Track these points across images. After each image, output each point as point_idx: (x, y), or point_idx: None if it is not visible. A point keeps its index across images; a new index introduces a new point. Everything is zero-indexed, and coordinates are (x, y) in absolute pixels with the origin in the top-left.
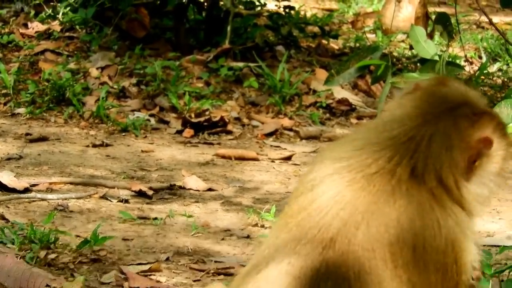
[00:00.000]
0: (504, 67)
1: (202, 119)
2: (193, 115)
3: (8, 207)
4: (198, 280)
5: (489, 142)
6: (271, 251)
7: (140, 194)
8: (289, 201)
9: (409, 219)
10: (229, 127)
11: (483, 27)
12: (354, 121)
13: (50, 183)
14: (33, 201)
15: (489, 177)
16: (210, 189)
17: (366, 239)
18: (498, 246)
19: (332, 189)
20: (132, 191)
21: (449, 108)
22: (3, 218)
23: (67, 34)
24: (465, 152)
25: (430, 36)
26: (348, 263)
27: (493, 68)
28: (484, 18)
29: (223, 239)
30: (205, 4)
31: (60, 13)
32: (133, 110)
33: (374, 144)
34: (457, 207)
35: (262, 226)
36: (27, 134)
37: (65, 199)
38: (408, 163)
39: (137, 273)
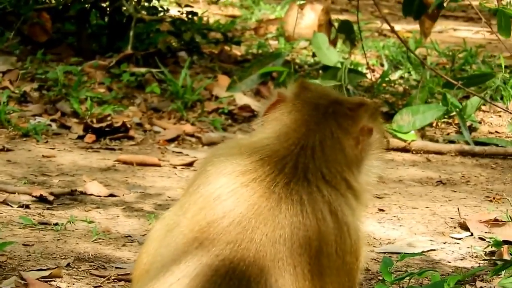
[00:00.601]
0: (406, 75)
1: (103, 124)
2: (94, 121)
3: None
4: (99, 286)
5: (370, 131)
6: (170, 256)
7: (41, 199)
8: (180, 207)
9: (326, 229)
10: (131, 132)
11: (385, 35)
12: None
13: None
14: None
15: (374, 164)
16: (111, 195)
17: (264, 243)
18: (399, 253)
19: (245, 203)
20: (33, 196)
21: (325, 111)
22: None
23: None
24: (353, 147)
25: (333, 43)
26: (246, 267)
27: (395, 75)
28: (386, 26)
29: (124, 245)
30: (108, 9)
31: None
32: (34, 115)
33: (272, 156)
34: (357, 205)
35: None
36: None
37: None
38: (315, 170)
39: (38, 279)
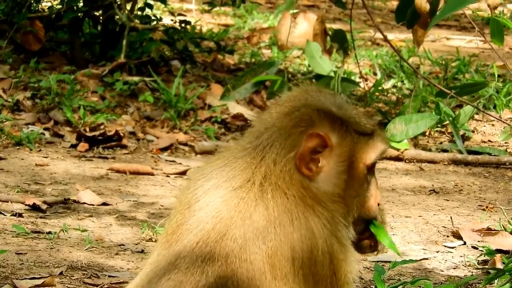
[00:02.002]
0: (399, 84)
1: (97, 133)
2: (88, 129)
3: None
4: None
5: (321, 138)
6: (153, 267)
7: (34, 208)
8: (169, 219)
9: (285, 233)
10: (124, 141)
11: (378, 44)
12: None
13: None
14: None
15: (336, 175)
16: (104, 204)
17: (243, 251)
18: (391, 262)
19: (208, 205)
20: (26, 205)
21: (286, 112)
22: None
23: None
24: (297, 149)
25: (329, 52)
26: (227, 274)
27: (388, 84)
28: (379, 35)
29: (117, 253)
30: (101, 18)
31: None
32: (27, 124)
33: (235, 159)
34: (327, 213)
35: (156, 241)
36: None
37: None
38: (264, 171)
39: (30, 287)
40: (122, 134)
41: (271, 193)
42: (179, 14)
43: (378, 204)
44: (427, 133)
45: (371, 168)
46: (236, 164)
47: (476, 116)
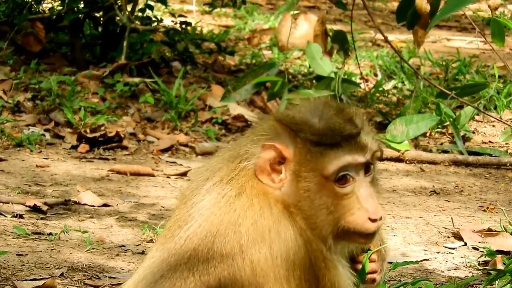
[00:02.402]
0: (399, 85)
1: (97, 134)
2: (88, 131)
3: None
4: None
5: (277, 150)
6: (150, 263)
7: (35, 209)
8: (170, 216)
9: (262, 234)
10: (125, 142)
11: (378, 45)
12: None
13: None
14: None
15: (297, 186)
16: (105, 205)
17: (224, 248)
18: (392, 262)
19: (201, 202)
20: (27, 206)
21: (258, 123)
22: None
23: None
24: (258, 161)
25: (329, 53)
26: (209, 271)
27: (388, 85)
28: (379, 36)
29: (117, 254)
30: (101, 19)
31: None
32: (28, 125)
33: (227, 163)
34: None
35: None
36: None
37: None
38: (243, 174)
39: None
40: (122, 135)
41: (248, 197)
42: (180, 15)
43: (373, 220)
44: (427, 134)
45: (339, 180)
46: (226, 165)
47: (476, 117)
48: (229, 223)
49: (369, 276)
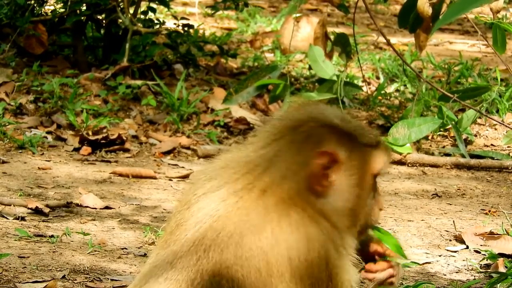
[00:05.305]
0: (401, 88)
1: (99, 136)
2: (90, 133)
3: None
4: None
5: (331, 155)
6: (151, 268)
7: (37, 211)
8: (169, 220)
9: (282, 232)
10: (127, 145)
11: (381, 48)
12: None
13: None
14: None
15: (346, 190)
16: (107, 207)
17: (239, 248)
18: None
19: (207, 205)
20: (29, 208)
21: (292, 127)
22: None
23: None
24: (308, 167)
25: (329, 56)
26: (221, 271)
27: (391, 88)
28: (382, 39)
29: (119, 257)
30: (104, 21)
31: None
32: (30, 127)
33: (238, 166)
34: (327, 223)
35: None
36: None
37: None
38: (268, 180)
39: None
40: (124, 138)
41: (272, 200)
42: (182, 18)
43: (381, 210)
44: (429, 137)
45: (376, 177)
46: (238, 168)
47: (478, 120)
48: (250, 224)
49: (388, 280)
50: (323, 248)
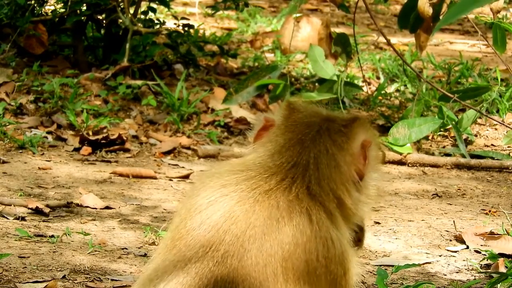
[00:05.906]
0: (402, 88)
1: (99, 136)
2: (90, 133)
3: None
4: None
5: (369, 144)
6: (159, 273)
7: (37, 211)
8: (172, 225)
9: (304, 236)
10: (127, 145)
11: (381, 48)
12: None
13: None
14: None
15: (373, 176)
16: (107, 207)
17: (258, 254)
18: (394, 265)
19: (222, 208)
20: (29, 208)
21: (319, 129)
22: None
23: None
24: (352, 164)
25: (334, 56)
26: (238, 278)
27: (391, 88)
28: (382, 39)
29: (120, 257)
30: (104, 21)
31: None
32: (30, 127)
33: (260, 172)
34: (343, 223)
35: (159, 244)
36: None
37: None
38: (301, 184)
39: None
40: (125, 138)
41: (302, 204)
42: (182, 18)
43: None
44: (430, 137)
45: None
46: (258, 172)
47: (479, 120)
48: (270, 229)
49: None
50: (342, 245)
